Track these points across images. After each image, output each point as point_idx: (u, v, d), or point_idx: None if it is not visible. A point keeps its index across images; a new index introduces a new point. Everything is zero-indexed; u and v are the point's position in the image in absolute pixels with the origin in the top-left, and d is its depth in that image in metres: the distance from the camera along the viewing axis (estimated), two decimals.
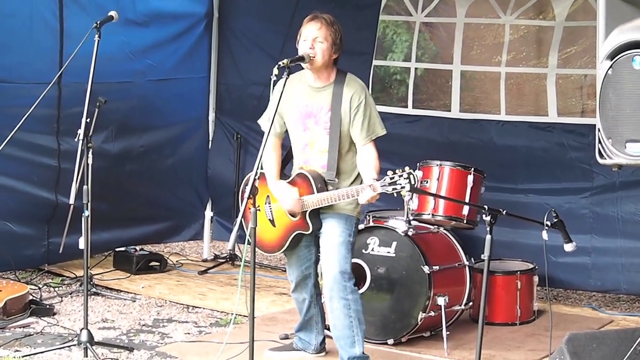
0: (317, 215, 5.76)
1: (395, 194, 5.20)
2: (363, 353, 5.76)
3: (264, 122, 5.91)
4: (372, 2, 8.55)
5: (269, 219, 5.94)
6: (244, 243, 5.56)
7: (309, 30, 5.70)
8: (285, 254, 6.04)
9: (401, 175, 5.13)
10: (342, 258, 5.69)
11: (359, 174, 5.75)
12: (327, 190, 5.67)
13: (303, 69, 5.77)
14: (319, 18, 5.72)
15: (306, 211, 5.72)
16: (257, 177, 5.02)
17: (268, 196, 5.91)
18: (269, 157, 5.86)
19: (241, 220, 5.02)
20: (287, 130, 5.96)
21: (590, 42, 7.62)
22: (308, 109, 5.79)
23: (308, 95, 5.80)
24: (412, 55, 8.53)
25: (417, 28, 8.48)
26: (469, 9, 8.21)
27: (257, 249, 5.31)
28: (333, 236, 5.72)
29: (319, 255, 5.96)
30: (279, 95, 5.39)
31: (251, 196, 5.00)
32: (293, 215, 5.78)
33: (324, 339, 6.23)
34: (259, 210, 5.14)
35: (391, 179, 5.17)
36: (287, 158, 6.06)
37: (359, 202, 5.52)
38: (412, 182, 5.10)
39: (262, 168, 5.71)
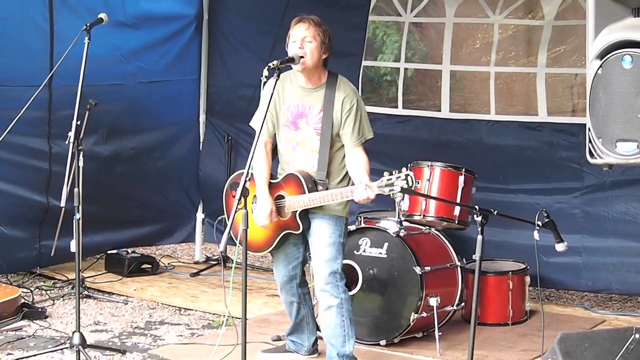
0: (306, 215, 5.76)
1: (391, 195, 5.20)
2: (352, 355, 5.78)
3: (255, 123, 5.89)
4: (362, 3, 8.54)
5: None
6: (235, 245, 5.54)
7: (297, 31, 5.70)
8: (272, 254, 6.01)
9: (399, 177, 5.13)
10: (333, 259, 5.70)
11: (347, 172, 5.75)
12: (317, 190, 5.68)
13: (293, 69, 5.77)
14: (306, 19, 5.73)
15: (296, 211, 5.73)
16: (247, 179, 5.02)
17: (255, 196, 5.90)
18: (259, 158, 5.85)
19: (228, 220, 5.02)
20: None
21: (579, 41, 7.62)
22: (299, 109, 5.79)
23: (300, 95, 5.80)
24: (401, 55, 8.53)
25: (406, 28, 8.47)
26: (458, 8, 8.21)
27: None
28: (323, 237, 5.73)
29: (306, 255, 5.96)
30: (269, 96, 5.40)
31: (241, 198, 5.00)
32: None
33: (316, 340, 6.22)
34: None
35: (388, 180, 5.17)
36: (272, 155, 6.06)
37: (355, 199, 5.49)
38: (410, 184, 5.11)
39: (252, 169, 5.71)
